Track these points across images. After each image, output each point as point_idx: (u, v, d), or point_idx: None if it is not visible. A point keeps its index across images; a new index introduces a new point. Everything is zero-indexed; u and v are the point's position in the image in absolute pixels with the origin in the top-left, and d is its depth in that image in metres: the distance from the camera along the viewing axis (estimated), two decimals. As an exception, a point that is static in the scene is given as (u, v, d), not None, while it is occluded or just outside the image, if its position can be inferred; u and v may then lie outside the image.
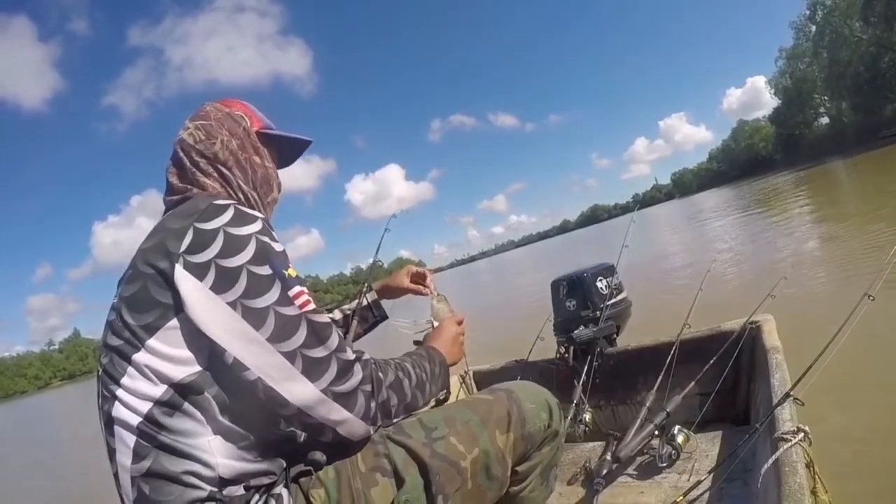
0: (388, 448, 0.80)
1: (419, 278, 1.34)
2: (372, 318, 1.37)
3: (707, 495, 1.20)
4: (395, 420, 0.79)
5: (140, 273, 0.69)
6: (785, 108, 53.17)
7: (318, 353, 0.70)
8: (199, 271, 0.66)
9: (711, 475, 1.21)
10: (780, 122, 56.12)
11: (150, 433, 0.66)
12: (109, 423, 0.69)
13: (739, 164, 77.52)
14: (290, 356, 0.68)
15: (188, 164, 0.84)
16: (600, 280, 1.90)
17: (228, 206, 0.73)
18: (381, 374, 0.76)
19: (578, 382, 1.70)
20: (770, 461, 0.91)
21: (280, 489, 0.73)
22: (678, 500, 1.15)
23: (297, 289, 0.71)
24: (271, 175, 0.93)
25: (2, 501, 5.90)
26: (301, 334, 0.69)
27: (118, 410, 0.68)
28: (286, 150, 1.02)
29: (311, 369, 0.69)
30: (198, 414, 0.67)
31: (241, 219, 0.72)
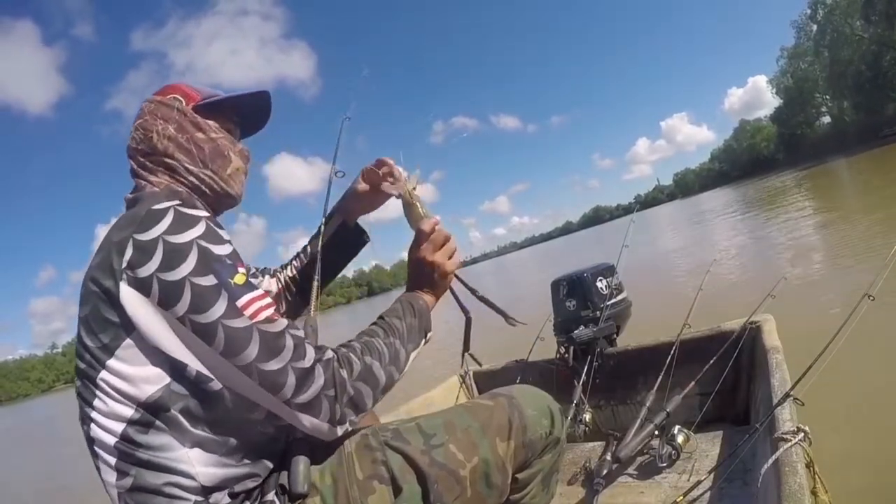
0: (385, 455, 0.79)
1: (376, 173, 1.04)
2: (343, 242, 1.14)
3: (707, 495, 1.20)
4: (371, 407, 0.76)
5: (90, 292, 0.68)
6: (786, 107, 53.14)
7: (273, 365, 0.67)
8: (143, 287, 0.64)
9: (711, 475, 1.21)
10: (781, 121, 56.09)
11: (129, 451, 0.67)
12: (90, 443, 0.69)
13: (742, 164, 77.45)
14: (246, 370, 0.66)
15: (136, 167, 0.82)
16: (600, 280, 1.90)
17: (167, 209, 0.69)
18: (343, 373, 0.72)
19: (578, 382, 1.70)
20: (770, 461, 0.90)
21: (271, 496, 0.73)
22: (678, 500, 1.15)
23: (245, 298, 0.67)
24: (223, 146, 0.87)
25: (5, 502, 5.92)
26: (253, 348, 0.66)
27: (95, 432, 0.68)
28: (247, 114, 0.95)
29: (269, 383, 0.67)
30: (172, 429, 0.67)
31: (180, 223, 0.68)
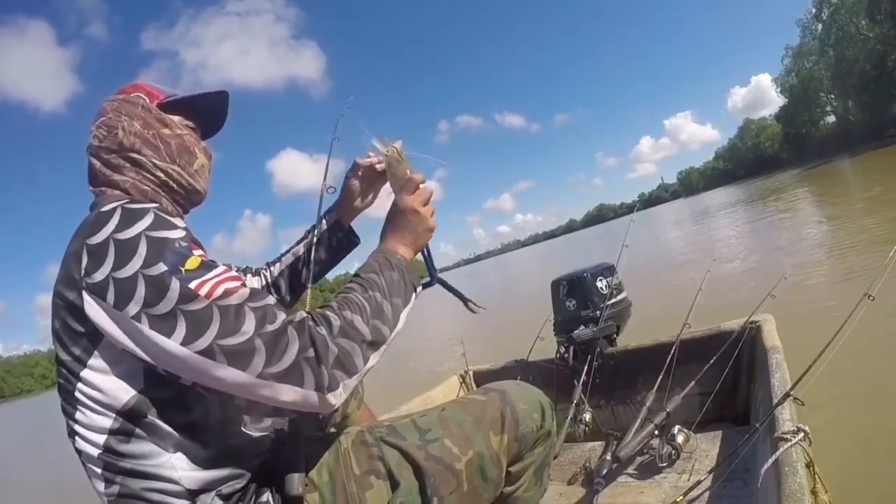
0: (381, 450, 0.80)
1: (365, 166, 1.08)
2: (337, 242, 1.16)
3: (707, 495, 1.20)
4: (362, 368, 0.69)
5: (58, 306, 0.67)
6: (791, 106, 52.93)
7: (238, 338, 0.63)
8: (101, 292, 0.63)
9: (711, 475, 1.21)
10: (786, 120, 55.88)
11: (112, 462, 0.67)
12: (78, 453, 0.70)
13: (746, 163, 77.32)
14: (209, 353, 0.62)
15: (99, 165, 0.81)
16: (600, 280, 1.90)
17: (115, 209, 0.68)
18: (322, 331, 0.66)
19: (578, 382, 1.70)
20: (770, 461, 0.90)
21: (266, 496, 0.73)
22: (678, 500, 1.15)
23: (199, 279, 0.64)
24: (188, 142, 0.87)
25: (9, 499, 5.95)
26: (214, 326, 0.62)
27: (80, 444, 0.68)
28: (207, 114, 0.95)
29: (237, 359, 0.62)
30: (152, 436, 0.67)
31: (128, 219, 0.66)
